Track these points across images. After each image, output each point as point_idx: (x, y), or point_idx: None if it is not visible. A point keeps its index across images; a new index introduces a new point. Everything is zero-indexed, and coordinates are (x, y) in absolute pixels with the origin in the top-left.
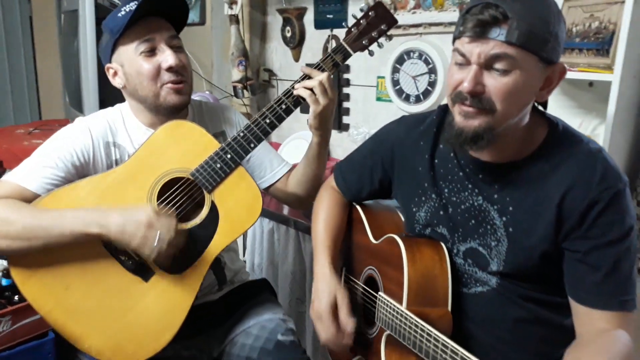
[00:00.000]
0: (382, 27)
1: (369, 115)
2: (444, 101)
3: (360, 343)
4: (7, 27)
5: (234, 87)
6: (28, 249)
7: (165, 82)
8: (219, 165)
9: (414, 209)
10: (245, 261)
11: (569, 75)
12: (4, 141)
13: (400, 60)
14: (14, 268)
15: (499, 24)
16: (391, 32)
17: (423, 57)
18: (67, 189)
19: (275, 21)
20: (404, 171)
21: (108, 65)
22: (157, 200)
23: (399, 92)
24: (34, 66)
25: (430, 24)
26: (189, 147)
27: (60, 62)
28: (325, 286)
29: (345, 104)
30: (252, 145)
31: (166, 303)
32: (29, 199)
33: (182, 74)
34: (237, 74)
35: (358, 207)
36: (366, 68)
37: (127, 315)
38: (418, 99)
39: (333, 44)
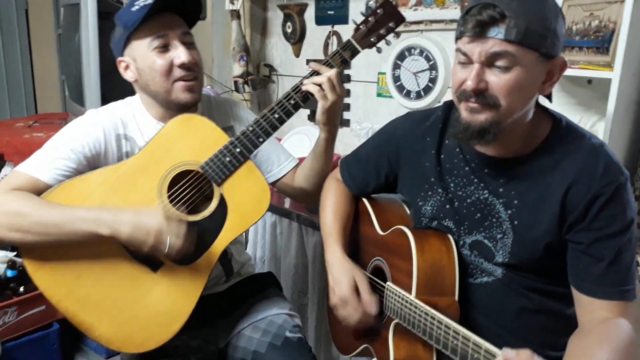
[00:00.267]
0: (390, 24)
1: (369, 111)
2: (445, 97)
3: (367, 332)
4: (2, 20)
5: (235, 82)
6: (40, 243)
7: (176, 79)
8: (228, 159)
9: (420, 203)
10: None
11: (569, 72)
12: (5, 134)
13: (401, 56)
14: (26, 256)
15: (497, 23)
16: None
17: (424, 54)
18: (78, 180)
19: (276, 17)
20: (410, 166)
21: (120, 58)
22: (167, 192)
23: (400, 88)
24: (30, 60)
25: (432, 21)
26: (199, 140)
27: (58, 55)
28: (342, 272)
29: (346, 100)
30: (260, 139)
31: (175, 294)
32: (41, 189)
33: (194, 71)
34: (238, 69)
35: (364, 200)
36: (367, 64)
37: (137, 305)
38: (419, 95)
39: (334, 40)
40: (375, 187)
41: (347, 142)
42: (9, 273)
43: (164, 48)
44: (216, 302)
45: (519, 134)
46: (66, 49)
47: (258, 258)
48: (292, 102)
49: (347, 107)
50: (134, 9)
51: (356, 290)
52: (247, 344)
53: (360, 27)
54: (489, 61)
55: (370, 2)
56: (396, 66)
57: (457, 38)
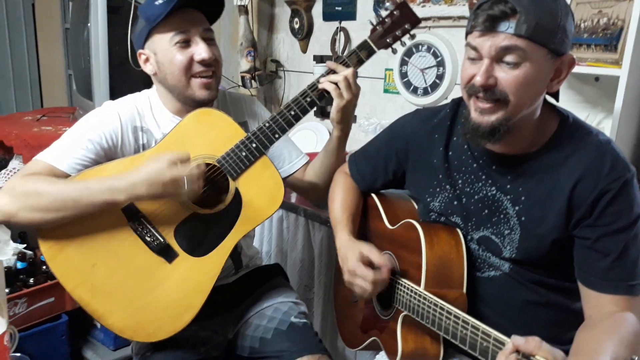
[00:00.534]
0: (406, 26)
1: (376, 107)
2: (452, 94)
3: (374, 324)
4: (9, 14)
5: (242, 77)
6: (60, 220)
7: (195, 74)
8: (244, 154)
9: (428, 199)
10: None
11: (577, 69)
12: (14, 128)
13: (408, 52)
14: (43, 243)
15: (508, 18)
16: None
17: (432, 50)
18: (96, 170)
19: (283, 12)
20: (419, 163)
21: (140, 51)
22: None
23: (407, 85)
24: (36, 54)
25: (440, 18)
26: (216, 134)
27: (64, 50)
28: (347, 249)
29: None
30: (276, 135)
31: (188, 285)
32: (60, 177)
33: (213, 66)
34: (245, 64)
35: (373, 195)
36: (374, 60)
37: (150, 295)
38: (426, 92)
39: (341, 36)
40: (383, 183)
41: (354, 138)
42: (19, 265)
43: (185, 43)
44: (225, 293)
45: (527, 131)
46: (74, 43)
47: (265, 252)
48: (308, 99)
49: None
50: (157, 3)
51: (364, 261)
52: (254, 331)
53: (377, 27)
54: (499, 56)
55: (388, 4)
56: (403, 62)
57: (468, 33)
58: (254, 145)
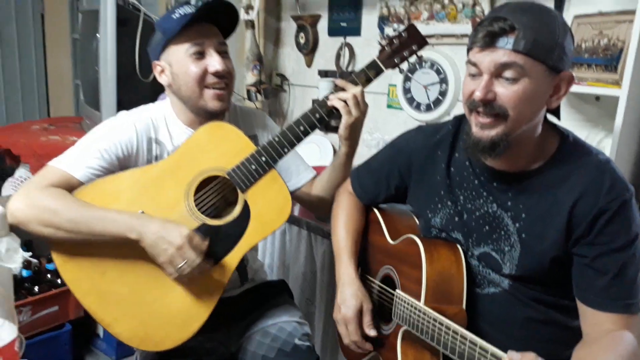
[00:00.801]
0: (414, 47)
1: (379, 122)
2: (455, 110)
3: (375, 339)
4: (19, 24)
5: (248, 91)
6: (70, 240)
7: (208, 85)
8: (254, 167)
9: (430, 215)
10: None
11: (578, 89)
12: (21, 136)
13: (412, 69)
14: (55, 250)
15: (507, 34)
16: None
17: (435, 67)
18: (110, 179)
19: (289, 27)
20: (421, 178)
21: (156, 62)
22: (194, 196)
23: (410, 100)
24: (44, 63)
25: (443, 35)
26: (227, 147)
27: (72, 60)
28: (352, 292)
29: None
30: (285, 149)
31: (195, 295)
32: (74, 186)
33: (226, 78)
34: (251, 77)
35: (375, 210)
36: None
37: (158, 304)
38: (429, 108)
39: (346, 51)
40: (385, 198)
41: (357, 152)
42: (25, 273)
43: (200, 55)
44: (230, 306)
45: (527, 148)
46: (83, 53)
47: (267, 265)
48: (317, 115)
49: None
50: (174, 16)
51: (360, 315)
52: (257, 347)
53: (385, 48)
54: (498, 72)
55: (395, 28)
56: (407, 78)
57: (469, 49)
58: (263, 158)
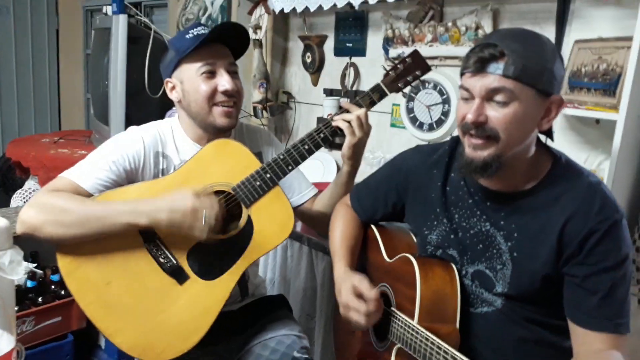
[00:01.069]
0: (417, 72)
1: (382, 140)
2: (457, 131)
3: (370, 355)
4: (34, 39)
5: (254, 108)
6: (81, 237)
7: (217, 103)
8: (258, 183)
9: (426, 232)
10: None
11: (577, 112)
12: (31, 149)
13: (415, 89)
14: (61, 259)
15: (497, 60)
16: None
17: (438, 88)
18: (118, 192)
19: (296, 47)
20: (418, 197)
21: (168, 79)
22: None
23: (413, 120)
24: (57, 78)
25: (446, 57)
26: (233, 164)
27: (84, 75)
28: (342, 281)
29: None
30: (289, 167)
31: (197, 307)
32: (83, 196)
33: (234, 97)
34: (257, 95)
35: (373, 227)
36: None
37: (160, 315)
38: (431, 127)
39: (351, 71)
40: (382, 215)
41: (361, 170)
42: (29, 283)
43: (211, 74)
44: (230, 320)
45: (520, 169)
46: (94, 69)
47: (268, 279)
48: (322, 135)
49: None
50: (188, 36)
51: (356, 293)
52: None
53: (390, 73)
54: (489, 96)
55: (399, 51)
56: (410, 98)
57: (461, 75)
58: (268, 175)
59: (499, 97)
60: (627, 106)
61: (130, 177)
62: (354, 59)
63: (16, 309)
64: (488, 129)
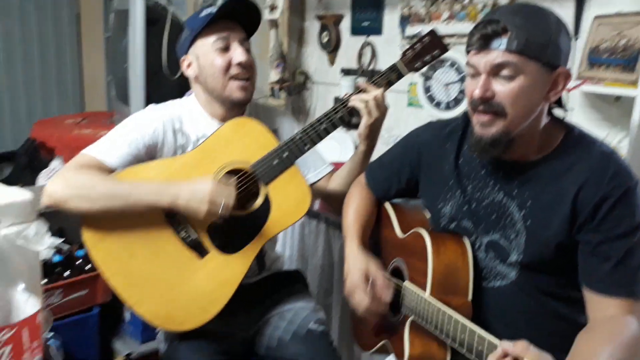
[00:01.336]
0: (435, 52)
1: (399, 119)
2: None
3: (385, 328)
4: (56, 24)
5: (272, 88)
6: (105, 212)
7: (232, 76)
8: (276, 162)
9: (440, 205)
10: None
11: (597, 89)
12: (56, 130)
13: (432, 68)
14: (86, 232)
15: (500, 36)
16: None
17: (455, 66)
18: (140, 167)
19: (312, 26)
20: (431, 171)
21: (184, 56)
22: None
23: (430, 99)
24: (79, 61)
25: (463, 35)
26: (251, 142)
27: (105, 57)
28: (354, 262)
29: None
30: (307, 146)
31: (216, 280)
32: (106, 172)
33: (248, 70)
34: (274, 75)
35: (386, 205)
36: None
37: (181, 287)
38: (448, 106)
39: (368, 50)
40: (397, 192)
41: (377, 148)
42: (56, 258)
43: (225, 49)
44: (248, 292)
45: (532, 141)
46: (114, 51)
47: (287, 256)
48: (339, 114)
49: None
50: (201, 15)
51: (367, 279)
52: (273, 330)
53: (407, 53)
54: (494, 71)
55: (416, 28)
56: (427, 77)
57: (467, 52)
58: (285, 154)
59: (504, 72)
60: None
61: (149, 153)
62: (371, 38)
63: (45, 281)
64: (495, 104)
